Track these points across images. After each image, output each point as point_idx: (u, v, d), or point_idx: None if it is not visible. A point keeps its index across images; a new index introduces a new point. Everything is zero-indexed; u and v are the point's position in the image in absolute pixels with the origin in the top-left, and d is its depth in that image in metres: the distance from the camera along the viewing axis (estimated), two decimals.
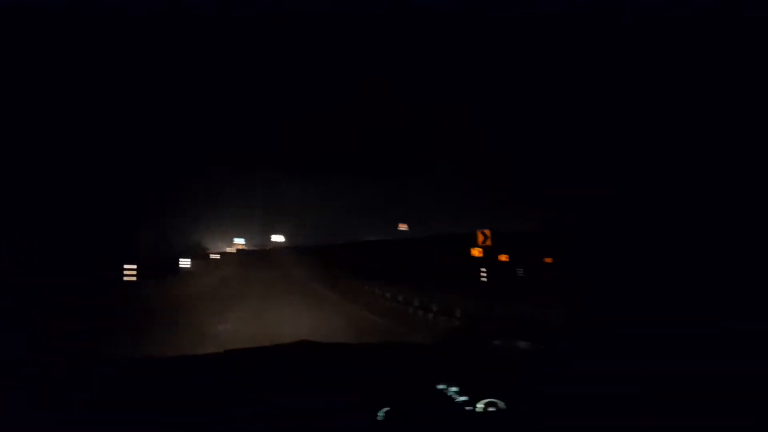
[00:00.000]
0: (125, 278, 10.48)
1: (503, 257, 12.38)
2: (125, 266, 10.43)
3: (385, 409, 1.40)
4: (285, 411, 1.42)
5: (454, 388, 1.44)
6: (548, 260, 11.97)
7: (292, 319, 6.58)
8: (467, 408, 1.41)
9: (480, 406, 1.41)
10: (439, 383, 1.45)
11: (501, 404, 1.40)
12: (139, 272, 10.54)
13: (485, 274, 10.91)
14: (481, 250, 11.62)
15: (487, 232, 11.54)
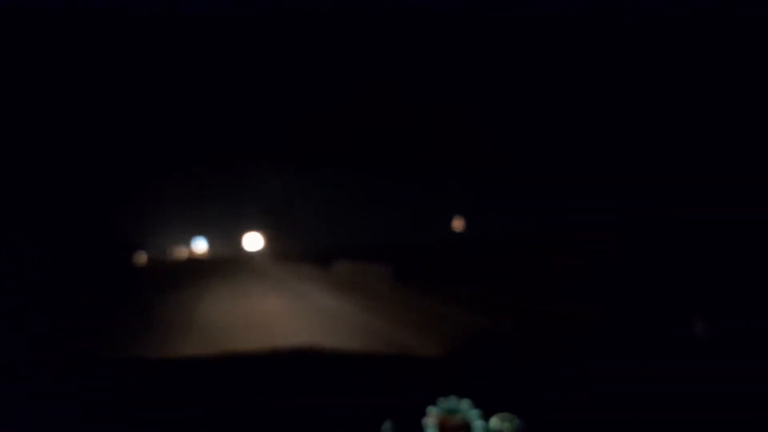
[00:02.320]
0: None
1: None
2: None
3: (390, 421, 1.32)
4: (285, 420, 1.35)
5: (466, 401, 1.36)
6: None
7: None
8: (481, 424, 1.33)
9: (493, 421, 1.33)
10: (450, 395, 1.37)
11: (516, 420, 1.32)
12: None
13: None
14: None
15: None
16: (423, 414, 1.34)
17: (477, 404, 1.34)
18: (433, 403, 1.35)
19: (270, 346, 1.67)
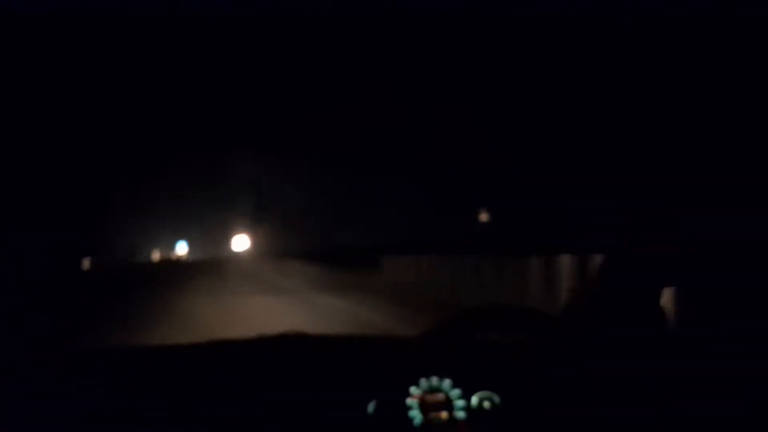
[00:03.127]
0: None
1: None
2: None
3: (375, 402, 1.35)
4: (272, 406, 1.37)
5: (447, 381, 1.39)
6: None
7: None
8: (461, 401, 1.36)
9: (474, 399, 1.35)
10: (432, 375, 1.40)
11: (496, 398, 1.35)
12: None
13: None
14: None
15: None
16: (406, 394, 1.37)
17: (457, 383, 1.37)
18: (416, 383, 1.38)
19: (254, 334, 1.69)
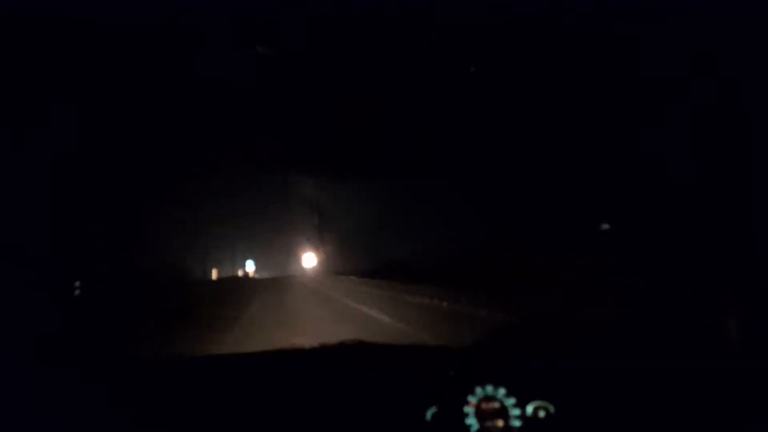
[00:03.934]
0: None
1: None
2: None
3: (433, 409, 1.41)
4: (333, 411, 1.42)
5: (502, 390, 1.45)
6: None
7: None
8: (517, 411, 1.42)
9: (529, 408, 1.42)
10: (487, 384, 1.46)
11: (551, 408, 1.42)
12: None
13: None
14: None
15: None
16: (464, 401, 1.44)
17: (512, 392, 1.44)
18: (472, 391, 1.45)
19: (317, 343, 1.74)
